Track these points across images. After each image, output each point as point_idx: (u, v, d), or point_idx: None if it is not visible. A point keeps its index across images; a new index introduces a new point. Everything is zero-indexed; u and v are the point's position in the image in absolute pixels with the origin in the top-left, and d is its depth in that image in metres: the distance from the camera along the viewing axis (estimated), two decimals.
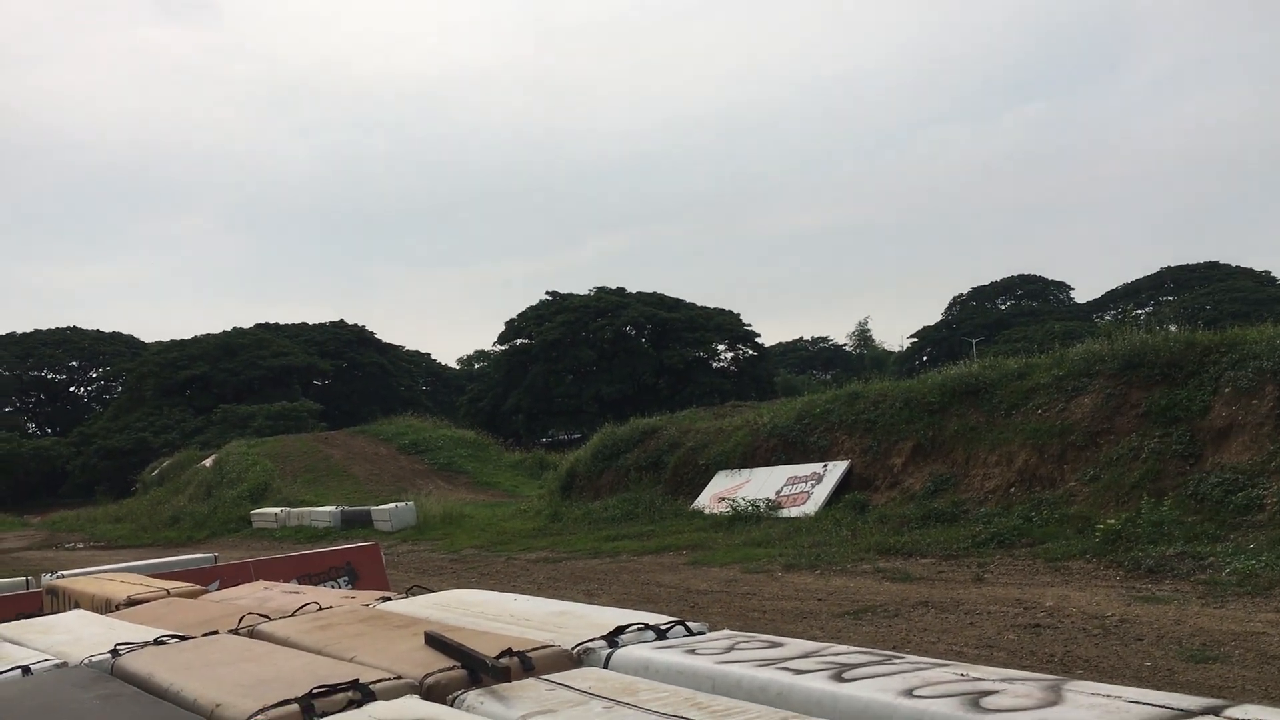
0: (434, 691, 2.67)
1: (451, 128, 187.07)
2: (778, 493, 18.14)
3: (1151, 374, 14.37)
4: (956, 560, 12.26)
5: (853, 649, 2.62)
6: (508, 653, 2.84)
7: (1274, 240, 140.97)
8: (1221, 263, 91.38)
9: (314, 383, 78.30)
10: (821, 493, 17.43)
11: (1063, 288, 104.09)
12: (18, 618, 5.56)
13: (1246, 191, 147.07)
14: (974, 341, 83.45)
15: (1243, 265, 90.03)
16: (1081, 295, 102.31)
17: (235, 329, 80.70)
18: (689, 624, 3.13)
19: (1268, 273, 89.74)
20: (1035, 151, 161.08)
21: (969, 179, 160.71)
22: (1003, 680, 2.18)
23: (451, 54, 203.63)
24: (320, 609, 4.10)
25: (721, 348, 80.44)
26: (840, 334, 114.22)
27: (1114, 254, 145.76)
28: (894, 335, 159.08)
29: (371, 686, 2.61)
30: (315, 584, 9.84)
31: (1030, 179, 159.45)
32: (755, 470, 19.42)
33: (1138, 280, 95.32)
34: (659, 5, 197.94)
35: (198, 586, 5.67)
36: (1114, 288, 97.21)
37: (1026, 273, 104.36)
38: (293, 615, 4.03)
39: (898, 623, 9.11)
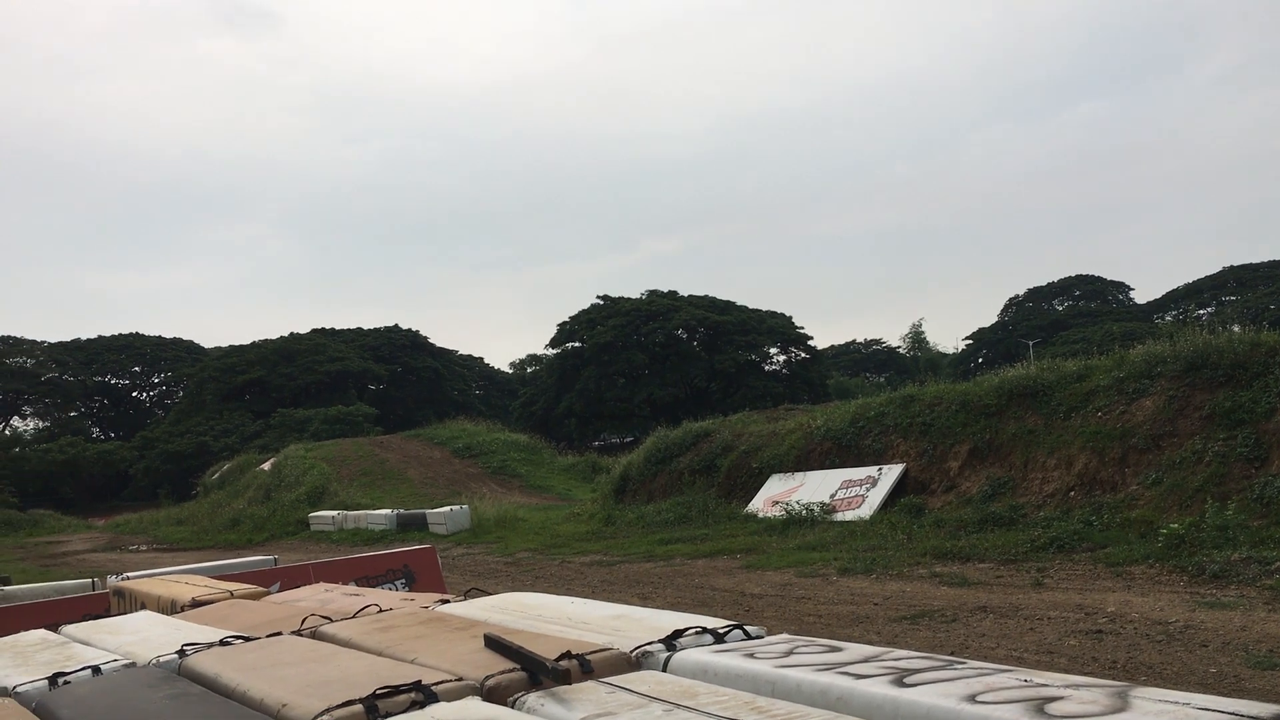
0: (495, 693, 2.69)
1: (503, 134, 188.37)
2: (832, 496, 18.04)
3: (1215, 376, 14.10)
4: (1015, 565, 12.11)
5: (913, 654, 2.60)
6: (567, 655, 2.85)
7: None
8: None
9: (369, 387, 79.08)
10: (876, 496, 17.30)
11: (1122, 288, 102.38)
12: (85, 619, 5.68)
13: None
14: (1031, 343, 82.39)
15: None
16: (1141, 296, 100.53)
17: (292, 334, 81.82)
18: (747, 627, 3.12)
19: None
20: (1092, 150, 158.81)
21: (1025, 179, 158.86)
22: (1067, 686, 2.15)
23: (504, 61, 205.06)
24: (380, 611, 4.14)
25: (773, 351, 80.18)
26: (894, 336, 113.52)
27: (1174, 254, 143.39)
28: (948, 337, 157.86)
29: (434, 688, 2.64)
30: (373, 586, 9.94)
31: (1087, 179, 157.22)
32: (809, 474, 19.32)
33: (1199, 280, 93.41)
34: (707, 9, 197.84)
35: (260, 588, 5.75)
36: (1175, 288, 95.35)
37: (1085, 273, 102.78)
38: (354, 617, 4.07)
39: (955, 628, 9.02)
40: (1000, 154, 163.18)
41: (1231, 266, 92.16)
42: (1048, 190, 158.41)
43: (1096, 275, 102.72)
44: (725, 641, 3.03)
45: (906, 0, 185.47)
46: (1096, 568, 11.39)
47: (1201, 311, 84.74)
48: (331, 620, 4.02)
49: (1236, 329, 17.12)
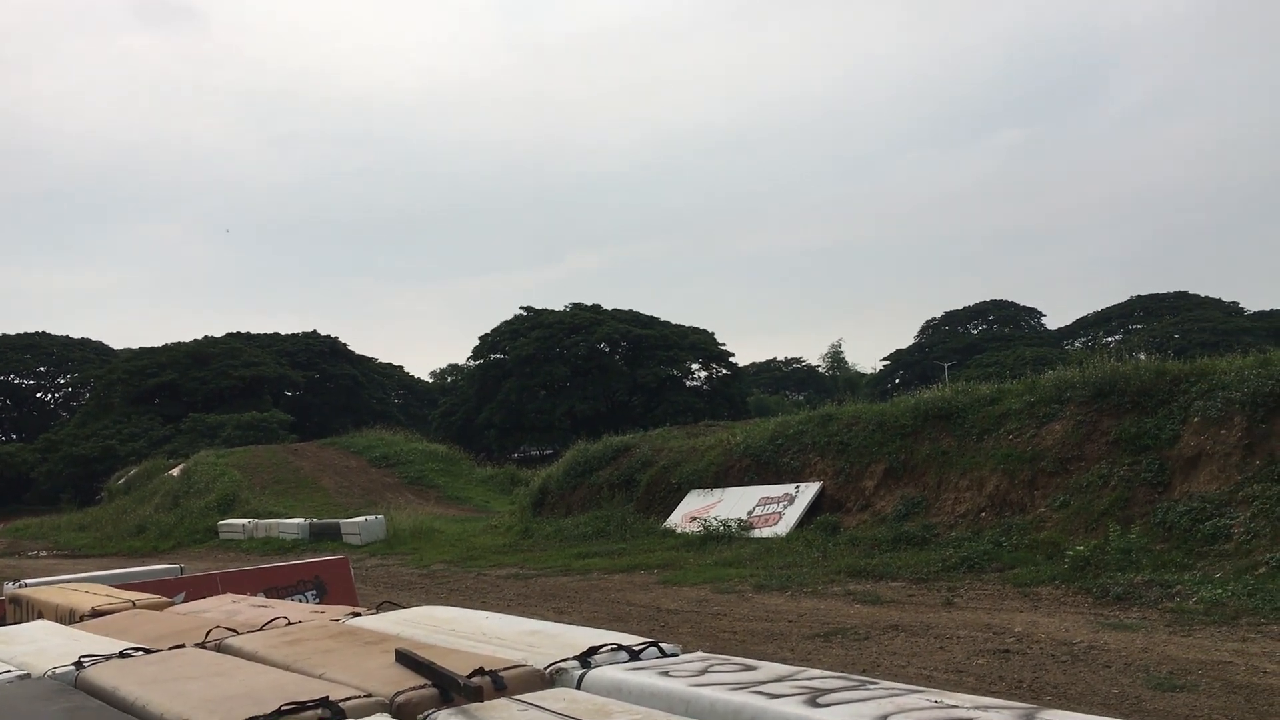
0: (405, 710, 2.64)
1: (430, 142, 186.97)
2: (749, 513, 18.14)
3: (1122, 402, 14.48)
4: (927, 584, 12.29)
5: (827, 673, 2.61)
6: (480, 672, 2.81)
7: (1242, 271, 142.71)
8: (1191, 292, 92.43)
9: (285, 393, 77.79)
10: (793, 514, 17.45)
11: (1034, 314, 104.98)
12: None
13: (1216, 222, 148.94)
14: (946, 365, 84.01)
15: (1211, 295, 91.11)
16: (1053, 322, 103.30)
17: (206, 338, 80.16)
18: (662, 645, 3.11)
19: (1236, 303, 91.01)
20: (1010, 178, 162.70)
21: (945, 203, 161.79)
22: (976, 708, 2.18)
23: (433, 69, 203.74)
24: (289, 624, 4.06)
25: (695, 367, 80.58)
26: (814, 355, 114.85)
27: (1085, 282, 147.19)
28: (867, 357, 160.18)
29: (341, 704, 2.58)
30: (283, 597, 9.75)
31: (1005, 205, 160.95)
32: (728, 490, 19.43)
33: (1108, 308, 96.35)
34: (639, 24, 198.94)
35: (164, 598, 5.60)
36: (1085, 315, 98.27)
37: (999, 298, 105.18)
38: (261, 630, 3.99)
39: (868, 646, 9.11)
40: (921, 178, 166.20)
41: (1139, 296, 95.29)
42: (966, 215, 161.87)
43: (1010, 300, 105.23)
44: (640, 659, 3.01)
45: (834, 23, 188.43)
46: (1005, 588, 11.61)
47: (1109, 339, 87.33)
48: (237, 633, 3.93)
49: (1143, 357, 17.62)
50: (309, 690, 2.73)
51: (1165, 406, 13.94)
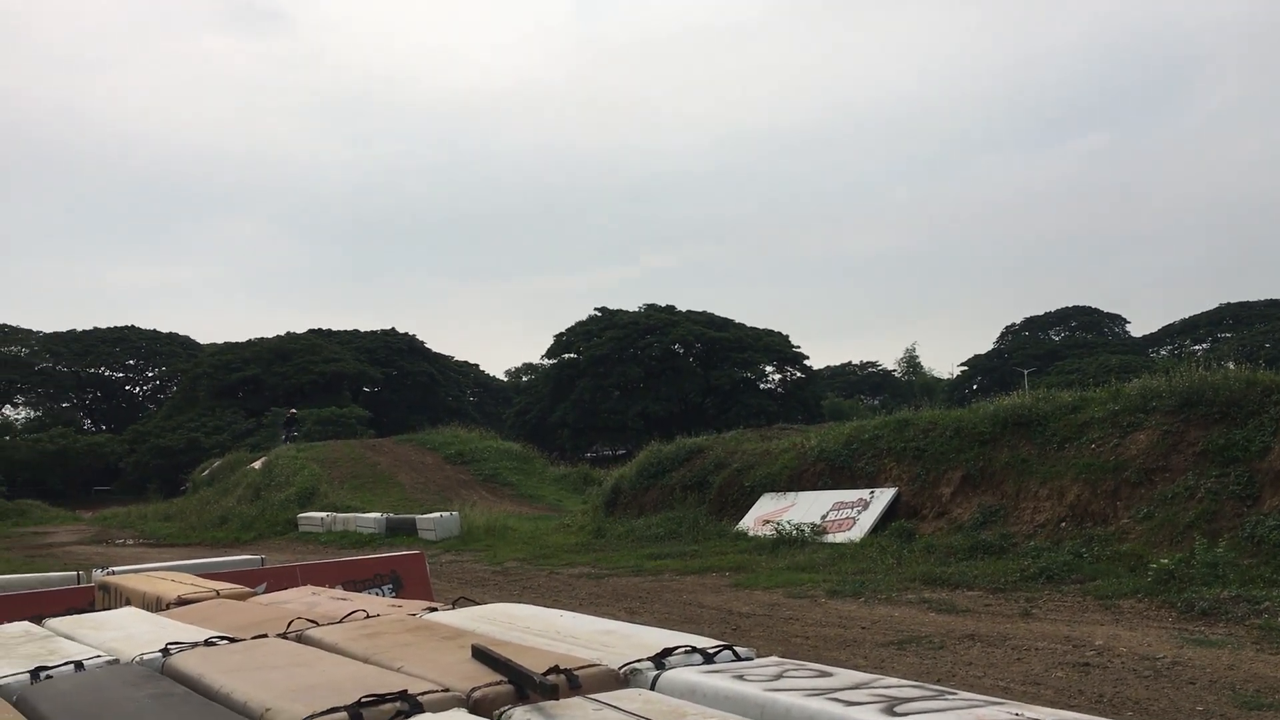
0: (481, 706, 2.67)
1: (506, 143, 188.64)
2: (823, 517, 18.01)
3: (1210, 413, 14.11)
4: (1004, 594, 12.09)
5: (904, 682, 2.58)
6: (555, 670, 2.83)
7: None
8: None
9: (364, 389, 78.98)
10: (868, 519, 17.28)
11: (1118, 321, 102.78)
12: (69, 612, 5.65)
13: None
14: (1026, 372, 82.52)
15: None
16: (1138, 329, 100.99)
17: (289, 334, 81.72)
18: (737, 649, 3.10)
19: None
20: (1094, 183, 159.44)
21: (1025, 207, 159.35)
22: None
23: (507, 70, 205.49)
24: (368, 617, 4.11)
25: (769, 369, 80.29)
26: (889, 359, 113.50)
27: (1172, 289, 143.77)
28: (943, 363, 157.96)
29: (419, 698, 2.61)
30: (360, 590, 9.90)
31: (1088, 210, 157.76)
32: (801, 494, 19.31)
33: (1196, 316, 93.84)
34: (713, 25, 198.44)
35: (246, 589, 5.72)
36: (1171, 323, 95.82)
37: (1081, 304, 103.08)
38: (340, 622, 4.05)
39: (943, 655, 8.99)
40: (1001, 181, 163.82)
41: (1228, 304, 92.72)
42: (1048, 220, 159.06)
43: (1093, 307, 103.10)
44: (714, 662, 3.00)
45: (911, 23, 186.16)
46: (1085, 600, 11.37)
47: (1197, 347, 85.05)
48: (318, 624, 4.00)
49: (1231, 366, 17.15)
50: (387, 683, 2.77)
51: (1255, 418, 13.55)
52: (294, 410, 46.56)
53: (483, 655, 3.05)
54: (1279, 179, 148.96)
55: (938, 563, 14.15)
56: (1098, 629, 9.73)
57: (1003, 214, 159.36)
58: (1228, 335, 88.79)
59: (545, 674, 2.77)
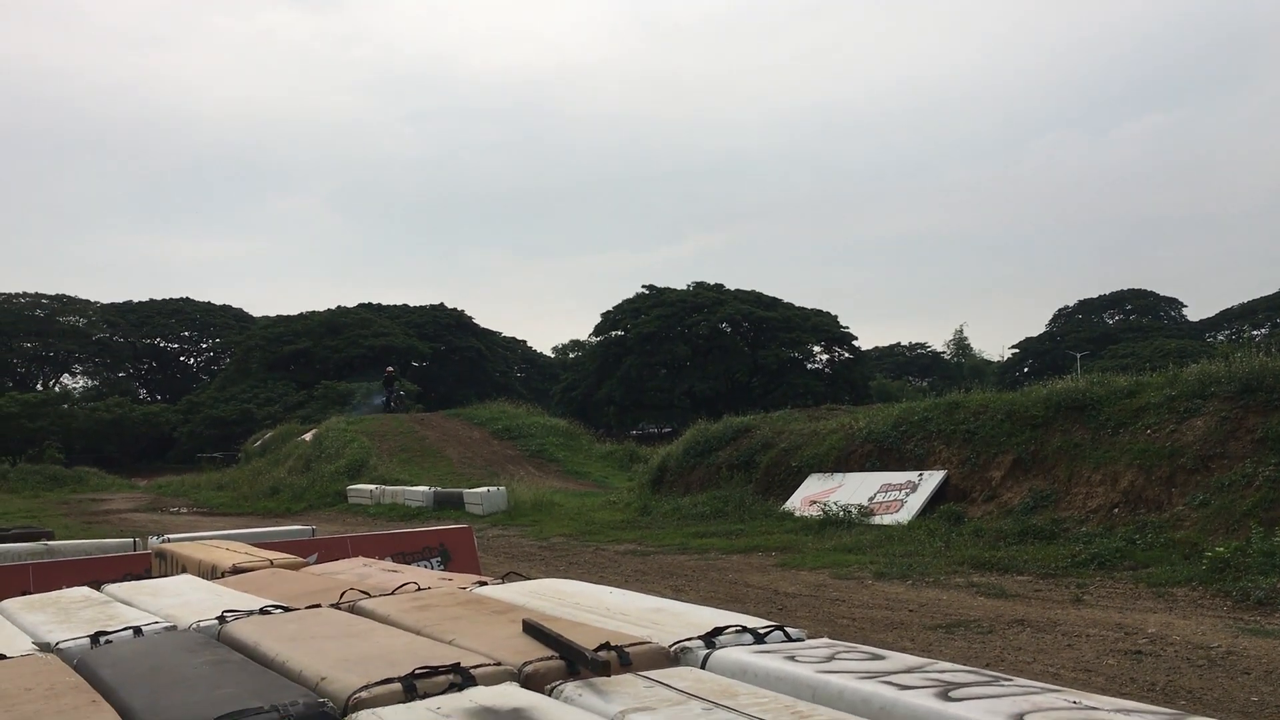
0: (532, 680, 2.68)
1: (559, 120, 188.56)
2: (870, 499, 17.92)
3: (1271, 399, 13.83)
4: (1054, 579, 11.95)
5: (958, 667, 2.55)
6: (606, 646, 2.83)
7: None
8: None
9: (412, 364, 79.61)
10: (916, 502, 17.16)
11: (1175, 304, 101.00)
12: (126, 578, 5.76)
13: None
14: (1079, 356, 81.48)
15: None
16: (1194, 314, 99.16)
17: (339, 307, 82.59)
18: (787, 629, 3.09)
19: None
20: (1150, 165, 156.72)
21: (1081, 189, 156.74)
22: (1118, 711, 2.10)
23: (563, 46, 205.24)
24: (419, 589, 4.15)
25: (817, 349, 79.82)
26: (938, 341, 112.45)
27: (1230, 273, 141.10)
28: (993, 345, 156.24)
29: (472, 671, 2.63)
30: (409, 562, 10.01)
31: (1145, 192, 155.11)
32: (848, 475, 19.20)
33: (1255, 300, 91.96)
34: (770, 3, 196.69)
35: (298, 559, 5.79)
36: (1229, 307, 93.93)
37: (1136, 287, 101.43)
38: (392, 594, 4.08)
39: (992, 639, 8.92)
40: (1057, 163, 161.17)
41: None
42: (1103, 202, 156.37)
43: (1149, 290, 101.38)
44: (765, 642, 2.99)
45: (969, 2, 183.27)
46: (1138, 587, 11.22)
47: (1256, 332, 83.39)
48: (370, 595, 4.04)
49: None
50: (440, 655, 2.79)
51: None
52: (391, 369, 46.63)
53: (534, 630, 3.06)
54: None
55: (986, 547, 14.02)
56: (1150, 616, 9.60)
57: (1059, 195, 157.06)
58: None
59: (596, 650, 2.77)
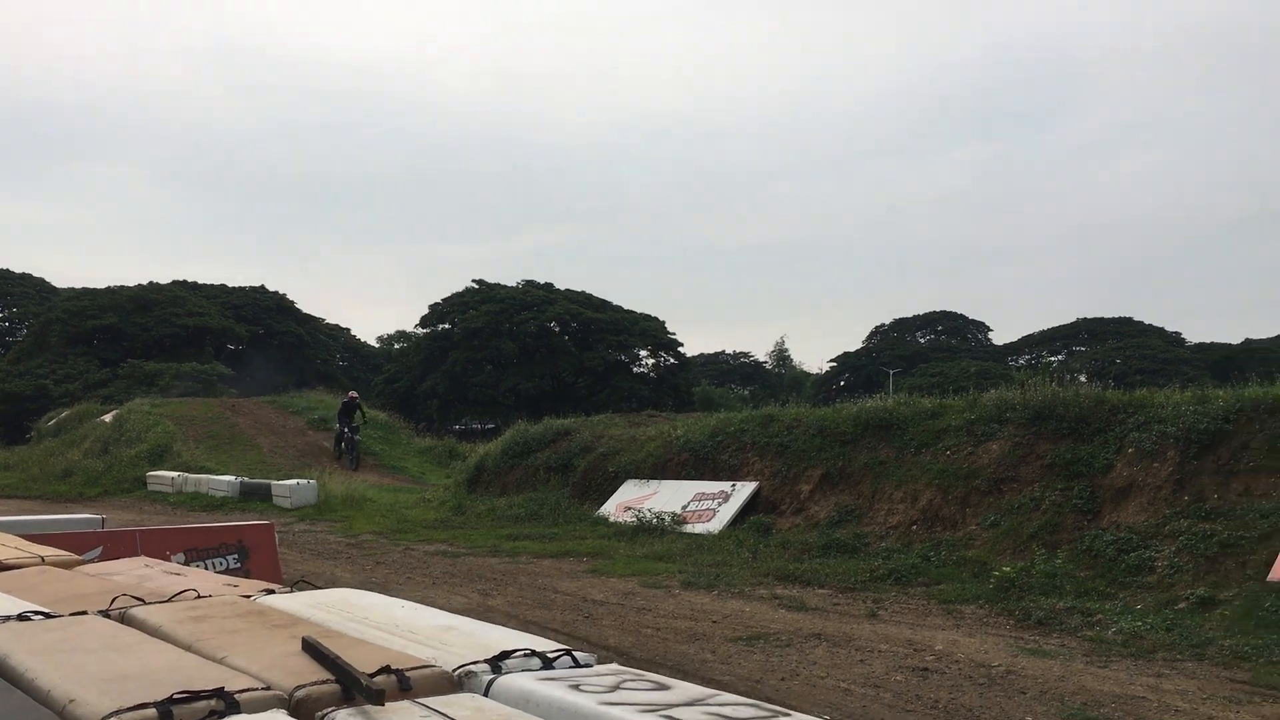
0: (303, 707, 2.56)
1: (399, 105, 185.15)
2: (684, 507, 18.14)
3: (1060, 427, 14.64)
4: (853, 593, 12.34)
5: (740, 700, 2.57)
6: (386, 670, 2.74)
7: (1185, 303, 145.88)
8: (1135, 319, 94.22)
9: (228, 347, 76.71)
10: (727, 512, 17.47)
11: (981, 328, 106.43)
12: None
13: (1165, 253, 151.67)
14: (892, 372, 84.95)
15: (1154, 324, 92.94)
16: (999, 337, 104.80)
17: (152, 283, 78.76)
18: (576, 654, 3.05)
19: (1178, 334, 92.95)
20: (973, 192, 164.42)
21: (906, 212, 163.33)
22: None
23: (407, 32, 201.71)
24: (198, 597, 3.94)
25: (644, 353, 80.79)
26: (761, 351, 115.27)
27: (1034, 300, 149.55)
28: (814, 357, 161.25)
29: (237, 696, 2.50)
30: (204, 559, 9.61)
31: (964, 218, 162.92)
32: (664, 482, 19.41)
33: (1054, 328, 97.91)
34: (620, 7, 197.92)
35: (75, 556, 5.44)
36: (1031, 333, 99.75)
37: (948, 309, 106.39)
38: (169, 601, 3.87)
39: (789, 653, 9.12)
40: (885, 185, 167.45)
41: (1084, 319, 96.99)
42: (926, 225, 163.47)
43: (959, 313, 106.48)
44: (554, 667, 2.95)
45: (808, 23, 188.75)
46: (930, 604, 11.69)
47: (1053, 358, 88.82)
48: (145, 602, 3.81)
49: (1083, 379, 17.83)
50: (207, 677, 2.65)
51: (1101, 435, 14.11)
52: (354, 394, 34.93)
53: (313, 649, 2.94)
54: (1143, 203, 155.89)
55: (792, 559, 14.38)
56: (939, 634, 10.00)
57: (884, 217, 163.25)
58: (1082, 349, 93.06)
59: (375, 674, 2.68)
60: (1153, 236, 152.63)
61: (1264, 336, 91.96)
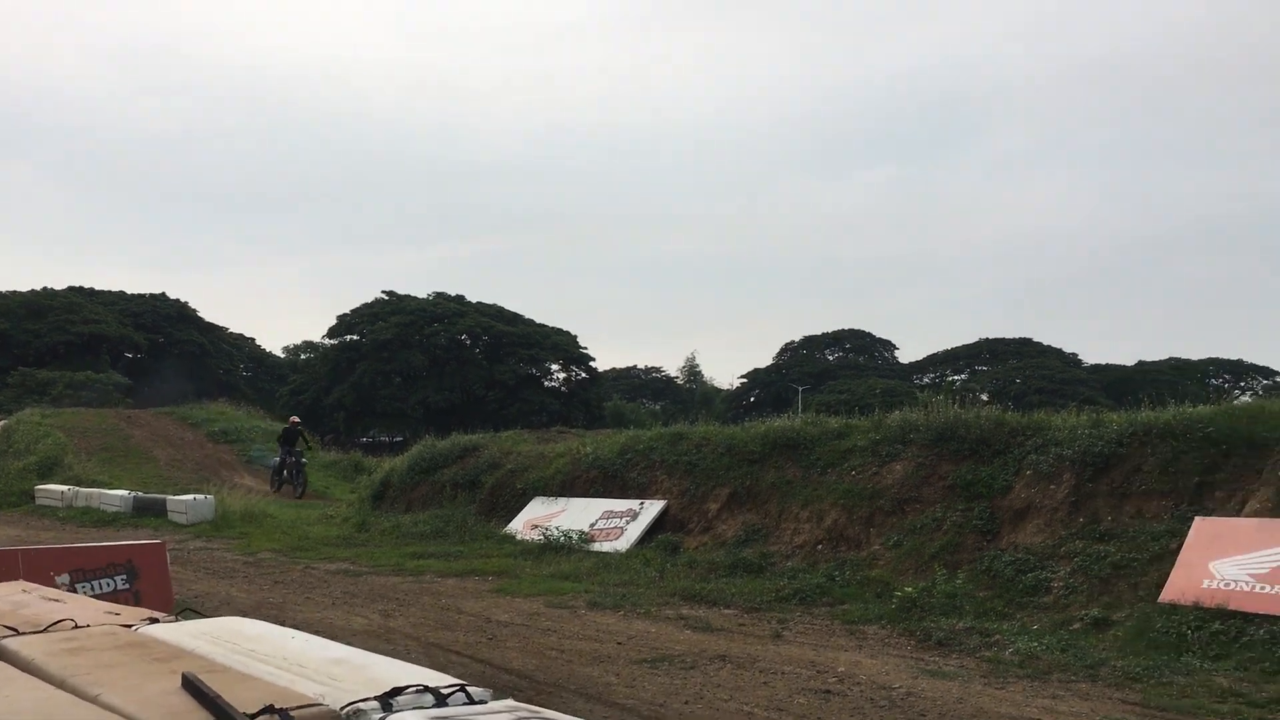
0: None
1: (313, 112, 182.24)
2: (592, 525, 18.06)
3: (961, 448, 14.89)
4: (759, 614, 12.37)
5: None
6: (269, 710, 2.62)
7: (1082, 325, 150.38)
8: (1035, 340, 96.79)
9: (125, 355, 74.63)
10: (635, 530, 17.43)
11: (888, 346, 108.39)
12: None
13: (1064, 276, 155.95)
14: (801, 389, 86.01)
15: (1053, 345, 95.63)
16: (905, 355, 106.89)
17: (45, 289, 76.40)
18: (470, 690, 2.96)
19: (1075, 355, 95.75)
20: (878, 212, 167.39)
21: (816, 231, 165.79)
22: None
23: (325, 39, 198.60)
24: (75, 627, 3.76)
25: (555, 368, 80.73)
26: (673, 366, 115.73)
27: (939, 320, 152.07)
28: (725, 373, 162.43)
29: None
30: (91, 580, 9.27)
31: (873, 238, 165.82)
32: (572, 500, 19.30)
33: (957, 348, 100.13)
34: (542, 23, 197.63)
35: None
36: (935, 352, 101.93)
37: (856, 327, 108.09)
38: (44, 631, 3.68)
39: (693, 676, 9.08)
40: (796, 204, 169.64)
41: (986, 339, 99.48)
42: (836, 244, 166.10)
43: (866, 331, 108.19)
44: (447, 704, 2.86)
45: (726, 46, 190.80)
46: (834, 624, 11.76)
47: (956, 377, 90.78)
48: (19, 633, 3.62)
49: (985, 397, 18.21)
50: (76, 718, 2.51)
51: (1001, 456, 14.39)
52: (296, 419, 32.76)
53: (192, 687, 2.81)
54: (1043, 227, 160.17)
55: (699, 578, 14.37)
56: (842, 655, 10.06)
57: (795, 236, 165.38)
58: (984, 368, 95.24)
59: (257, 715, 2.56)
60: (1052, 259, 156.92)
61: (1155, 359, 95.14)
